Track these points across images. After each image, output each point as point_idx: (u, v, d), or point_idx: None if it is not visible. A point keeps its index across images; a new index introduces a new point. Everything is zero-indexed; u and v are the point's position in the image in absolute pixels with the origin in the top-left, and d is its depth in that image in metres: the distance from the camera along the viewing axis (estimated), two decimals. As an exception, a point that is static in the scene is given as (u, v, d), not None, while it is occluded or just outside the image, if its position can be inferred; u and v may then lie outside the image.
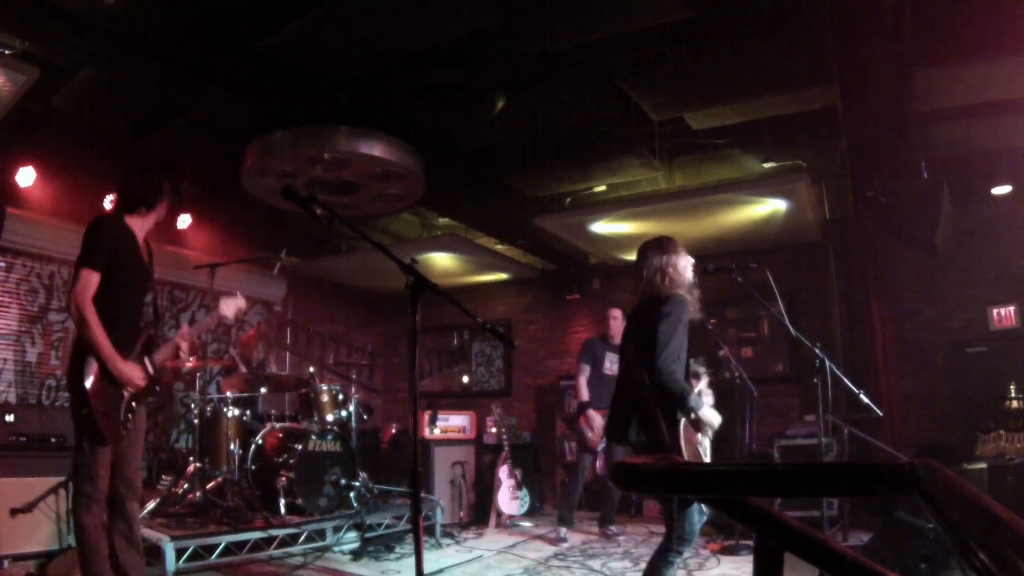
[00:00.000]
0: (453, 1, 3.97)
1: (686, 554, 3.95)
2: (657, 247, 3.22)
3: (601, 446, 5.81)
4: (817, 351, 3.63)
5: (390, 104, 5.15)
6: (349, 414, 5.93)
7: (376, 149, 5.25)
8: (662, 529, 3.06)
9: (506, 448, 6.59)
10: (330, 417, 5.75)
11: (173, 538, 4.10)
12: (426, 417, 6.76)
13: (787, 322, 3.66)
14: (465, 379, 9.84)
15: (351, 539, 5.21)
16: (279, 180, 5.49)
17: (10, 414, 4.30)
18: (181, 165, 3.42)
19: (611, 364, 5.98)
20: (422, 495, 5.57)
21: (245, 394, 5.77)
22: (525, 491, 6.62)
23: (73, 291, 2.85)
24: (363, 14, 4.05)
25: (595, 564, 4.81)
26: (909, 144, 4.93)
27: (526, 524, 6.56)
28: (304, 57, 4.61)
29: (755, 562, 0.89)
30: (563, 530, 5.72)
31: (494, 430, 6.91)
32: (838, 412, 5.20)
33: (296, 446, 5.15)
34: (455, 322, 9.70)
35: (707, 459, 3.13)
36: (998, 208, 6.70)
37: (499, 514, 6.49)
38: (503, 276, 9.41)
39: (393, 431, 7.48)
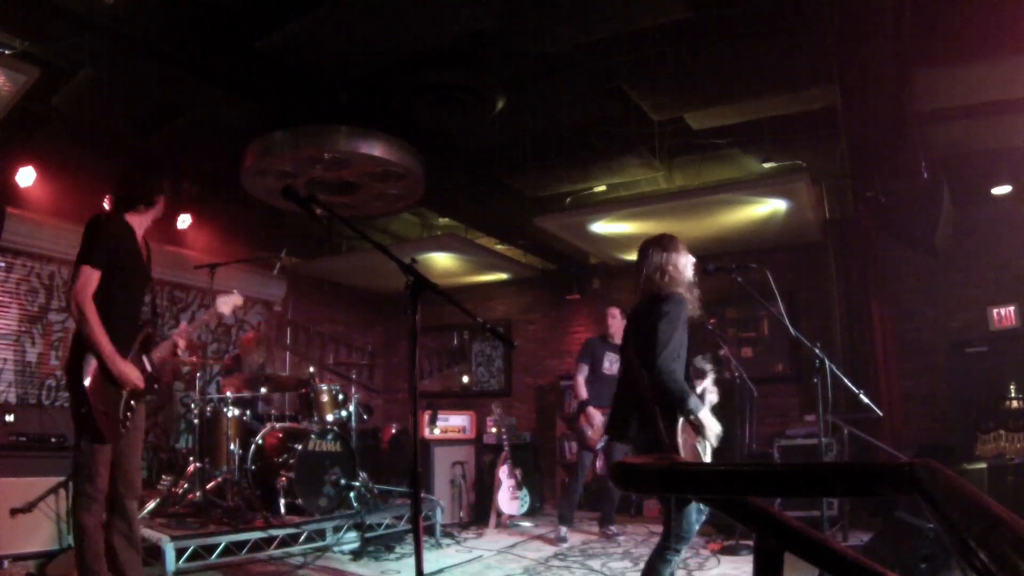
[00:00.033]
0: (453, 1, 3.97)
1: (685, 554, 3.95)
2: (658, 245, 3.23)
3: (600, 444, 5.81)
4: (817, 351, 3.63)
5: (390, 104, 5.15)
6: (349, 414, 5.93)
7: (376, 149, 5.25)
8: (662, 529, 3.06)
9: (506, 448, 6.59)
10: (330, 417, 5.75)
11: (173, 538, 4.10)
12: (426, 417, 6.76)
13: (787, 322, 3.66)
14: (465, 379, 9.84)
15: (351, 539, 5.21)
16: (279, 180, 5.49)
17: (10, 414, 4.30)
18: (180, 164, 3.43)
19: (610, 364, 5.98)
20: (422, 495, 5.57)
21: (245, 394, 5.77)
22: (525, 491, 6.62)
23: (73, 289, 2.84)
24: (363, 14, 4.05)
25: (595, 564, 4.81)
26: (909, 144, 4.93)
27: (526, 524, 6.56)
28: (304, 57, 4.61)
29: (755, 562, 0.89)
30: (563, 529, 5.72)
31: (494, 430, 6.91)
32: (838, 412, 5.20)
33: (296, 446, 5.15)
34: (455, 322, 9.70)
35: (707, 459, 3.12)
36: (998, 208, 6.70)
37: (499, 514, 6.49)
38: (503, 276, 9.41)
39: (393, 431, 7.48)
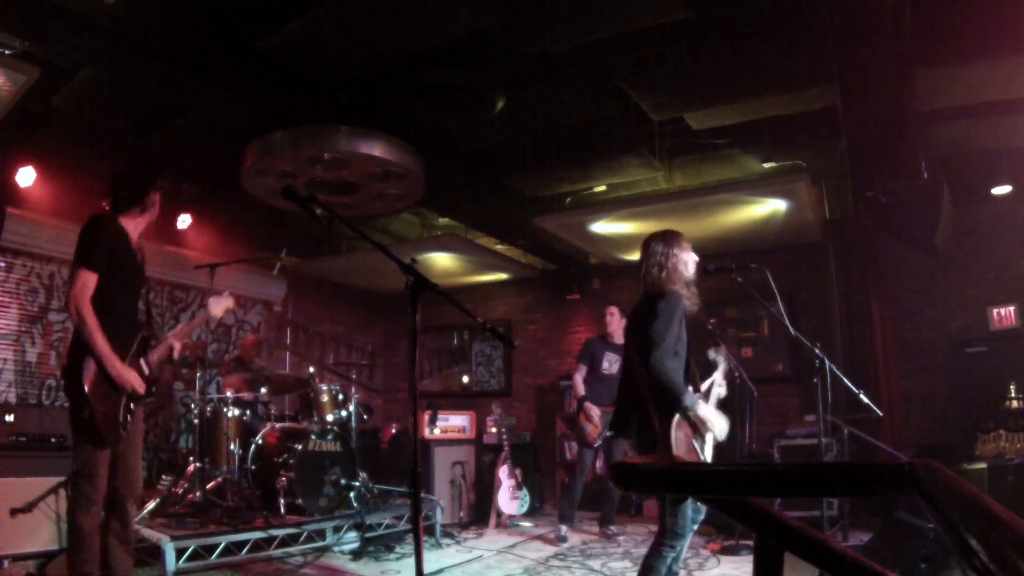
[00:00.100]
0: (453, 1, 3.97)
1: (686, 554, 3.94)
2: (660, 239, 3.25)
3: (599, 442, 5.82)
4: (817, 351, 3.63)
5: (390, 104, 5.15)
6: (349, 414, 5.93)
7: (376, 149, 5.25)
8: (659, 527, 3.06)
9: (506, 448, 6.59)
10: (330, 417, 5.75)
11: (173, 538, 4.10)
12: (426, 417, 6.76)
13: (787, 322, 3.66)
14: (465, 379, 9.84)
15: (351, 539, 5.21)
16: (279, 180, 5.49)
17: (10, 414, 4.30)
18: (180, 164, 3.42)
19: (610, 364, 5.99)
20: (422, 495, 5.57)
21: (245, 394, 5.77)
22: (525, 491, 6.62)
23: (71, 292, 2.83)
24: (363, 14, 4.05)
25: (595, 564, 4.81)
26: (909, 144, 4.93)
27: (526, 524, 6.56)
28: (304, 57, 4.61)
29: (755, 562, 0.89)
30: (563, 528, 5.73)
31: (494, 430, 6.91)
32: (838, 412, 5.20)
33: (296, 446, 5.15)
34: (455, 322, 9.70)
35: (707, 457, 3.12)
36: (998, 208, 6.70)
37: (499, 514, 6.49)
38: (503, 276, 9.41)
39: (393, 431, 7.49)
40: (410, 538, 5.45)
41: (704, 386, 3.33)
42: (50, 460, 4.18)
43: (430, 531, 5.72)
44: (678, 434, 2.95)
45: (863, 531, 5.46)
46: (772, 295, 3.70)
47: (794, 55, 4.52)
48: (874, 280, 6.85)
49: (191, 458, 5.33)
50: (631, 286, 3.13)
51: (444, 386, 9.94)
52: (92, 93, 4.94)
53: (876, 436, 5.30)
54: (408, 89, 4.83)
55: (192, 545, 4.22)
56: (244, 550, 4.53)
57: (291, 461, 5.08)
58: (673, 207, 6.52)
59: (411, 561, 3.93)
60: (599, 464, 6.66)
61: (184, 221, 7.05)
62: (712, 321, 5.13)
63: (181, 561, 4.14)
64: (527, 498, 6.64)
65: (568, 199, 7.14)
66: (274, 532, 4.68)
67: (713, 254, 7.09)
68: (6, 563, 3.94)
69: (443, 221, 8.29)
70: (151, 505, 4.89)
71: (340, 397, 5.91)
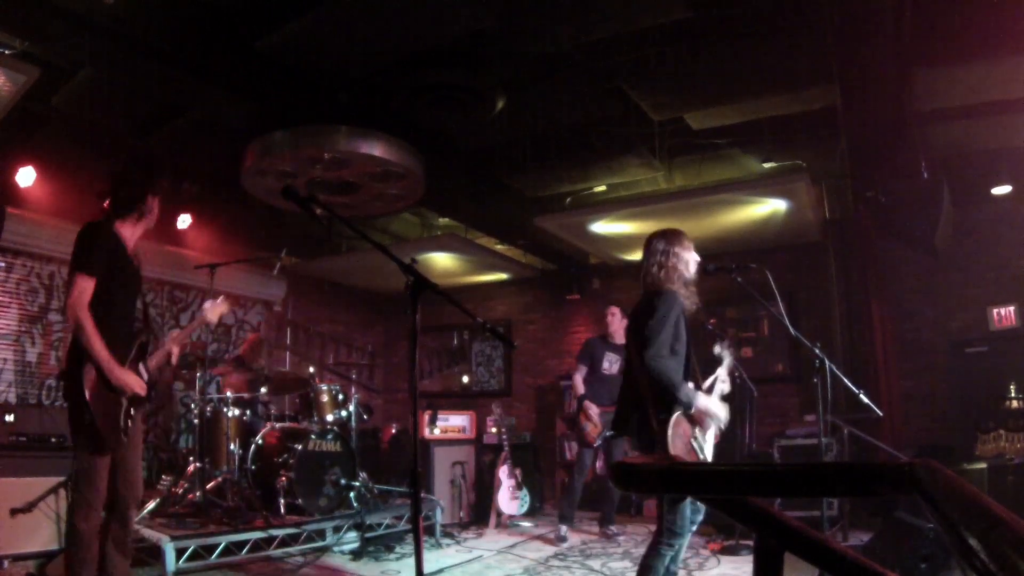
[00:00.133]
0: (453, 1, 3.97)
1: (686, 554, 3.95)
2: (662, 237, 3.27)
3: (598, 442, 5.82)
4: (817, 351, 3.63)
5: (390, 104, 5.15)
6: (349, 414, 5.93)
7: (376, 149, 5.25)
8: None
9: (506, 448, 6.59)
10: (330, 417, 5.75)
11: (173, 538, 4.10)
12: (426, 417, 6.76)
13: (787, 322, 3.66)
14: (465, 379, 9.84)
15: (351, 539, 5.21)
16: (279, 180, 5.49)
17: (10, 414, 4.30)
18: (180, 164, 3.38)
19: (610, 364, 5.99)
20: (422, 495, 5.57)
21: (245, 394, 5.77)
22: (525, 491, 6.62)
23: (69, 299, 2.80)
24: (363, 14, 4.05)
25: (595, 564, 4.81)
26: (909, 144, 4.93)
27: (526, 524, 6.56)
28: (304, 57, 4.61)
29: (755, 562, 0.89)
30: (563, 528, 5.73)
31: (494, 430, 6.91)
32: (838, 412, 5.20)
33: (296, 446, 5.15)
34: (455, 322, 9.70)
35: (708, 455, 3.12)
36: (998, 208, 6.70)
37: (499, 514, 6.49)
38: (503, 276, 9.41)
39: (393, 431, 7.49)
40: (410, 538, 5.45)
41: (708, 382, 3.33)
42: (50, 460, 4.18)
43: (430, 531, 5.72)
44: (676, 433, 2.95)
45: (863, 531, 5.46)
46: (772, 295, 3.70)
47: (794, 55, 4.51)
48: (874, 280, 6.85)
49: (191, 458, 5.33)
50: (631, 286, 3.14)
51: (444, 386, 9.94)
52: (92, 93, 4.94)
53: (876, 436, 5.30)
54: (408, 89, 4.83)
55: (192, 545, 4.22)
56: (244, 550, 4.53)
57: (291, 461, 5.08)
58: (673, 207, 6.52)
59: (411, 561, 3.93)
60: (599, 464, 6.65)
61: (184, 221, 7.05)
62: (712, 321, 5.14)
63: (181, 561, 4.14)
64: (527, 498, 6.65)
65: (568, 199, 7.14)
66: (274, 532, 4.68)
67: (713, 254, 7.07)
68: (6, 563, 3.94)
69: (443, 221, 8.29)
70: (151, 505, 4.89)
71: (340, 397, 5.91)
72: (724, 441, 3.30)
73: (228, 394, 5.61)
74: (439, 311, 9.14)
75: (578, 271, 8.97)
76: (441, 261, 8.37)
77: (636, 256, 3.41)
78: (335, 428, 5.61)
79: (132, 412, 2.97)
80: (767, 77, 4.78)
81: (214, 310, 3.47)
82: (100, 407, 2.81)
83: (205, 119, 5.42)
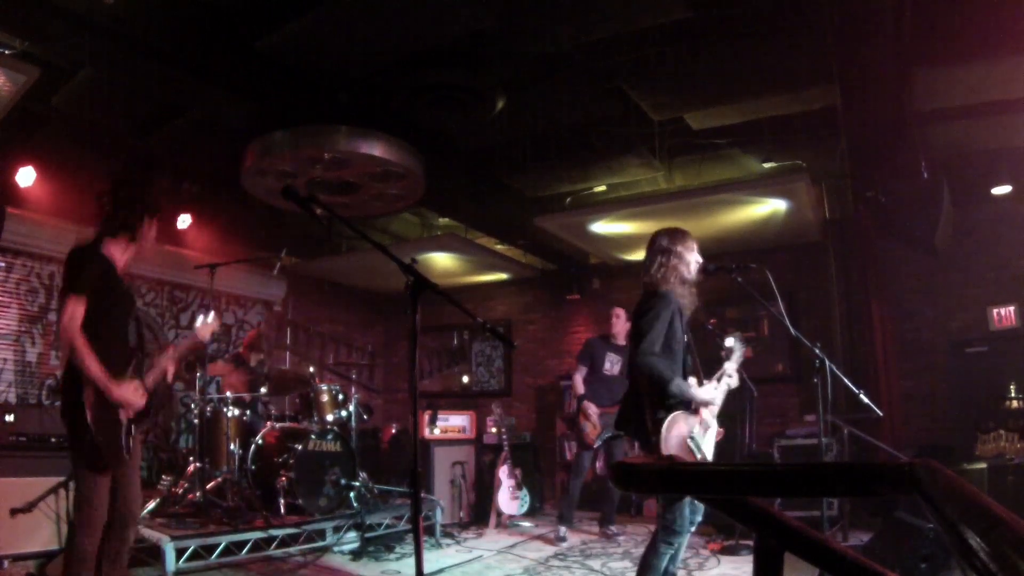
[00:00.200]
0: (453, 1, 3.97)
1: (686, 553, 3.94)
2: (666, 236, 3.28)
3: (598, 443, 5.82)
4: (817, 351, 3.63)
5: (390, 104, 5.15)
6: (349, 414, 5.93)
7: (376, 149, 5.25)
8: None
9: (506, 448, 6.59)
10: (330, 417, 5.75)
11: (173, 538, 4.11)
12: (426, 417, 6.76)
13: (787, 322, 3.66)
14: (465, 379, 9.84)
15: (351, 539, 5.21)
16: (279, 180, 5.48)
17: (10, 414, 4.30)
18: (180, 164, 3.36)
19: (611, 365, 5.98)
20: (422, 495, 5.57)
21: (245, 394, 5.77)
22: (525, 491, 6.62)
23: (61, 322, 2.79)
24: (363, 14, 4.05)
25: (595, 564, 4.81)
26: (909, 144, 4.93)
27: (526, 524, 6.56)
28: (304, 57, 4.61)
29: (755, 562, 0.89)
30: (563, 529, 5.73)
31: (494, 430, 6.91)
32: (838, 412, 5.20)
33: (296, 446, 5.15)
34: (455, 322, 9.70)
35: (708, 454, 3.12)
36: (998, 208, 6.70)
37: (499, 514, 6.49)
38: (503, 276, 9.41)
39: (393, 431, 7.48)
40: (410, 538, 5.45)
41: (715, 377, 3.33)
42: (50, 460, 4.18)
43: (430, 531, 5.72)
44: (671, 434, 2.95)
45: (863, 531, 5.46)
46: (772, 295, 3.70)
47: (794, 55, 4.52)
48: (874, 280, 6.85)
49: (191, 458, 5.33)
50: (631, 286, 3.13)
51: (444, 386, 9.94)
52: (92, 93, 4.94)
53: (876, 436, 5.30)
54: (408, 89, 4.83)
55: (192, 545, 4.22)
56: (244, 550, 4.53)
57: (291, 461, 5.08)
58: (673, 207, 6.52)
59: (411, 561, 3.93)
60: (599, 464, 6.65)
61: (184, 221, 7.04)
62: (712, 321, 5.13)
63: (181, 561, 4.14)
64: (527, 498, 6.65)
65: (568, 199, 7.14)
66: (274, 532, 4.69)
67: (713, 254, 7.04)
68: (6, 563, 3.94)
69: (443, 221, 8.29)
70: (151, 505, 4.89)
71: (340, 397, 5.91)
72: (724, 441, 3.30)
73: (228, 394, 5.61)
74: (439, 311, 9.14)
75: (578, 271, 8.97)
76: (441, 261, 8.37)
77: (636, 256, 3.42)
78: (335, 428, 5.61)
79: (133, 430, 2.97)
80: (767, 77, 4.78)
81: (207, 328, 3.45)
82: (101, 427, 2.79)
83: (205, 119, 5.42)
